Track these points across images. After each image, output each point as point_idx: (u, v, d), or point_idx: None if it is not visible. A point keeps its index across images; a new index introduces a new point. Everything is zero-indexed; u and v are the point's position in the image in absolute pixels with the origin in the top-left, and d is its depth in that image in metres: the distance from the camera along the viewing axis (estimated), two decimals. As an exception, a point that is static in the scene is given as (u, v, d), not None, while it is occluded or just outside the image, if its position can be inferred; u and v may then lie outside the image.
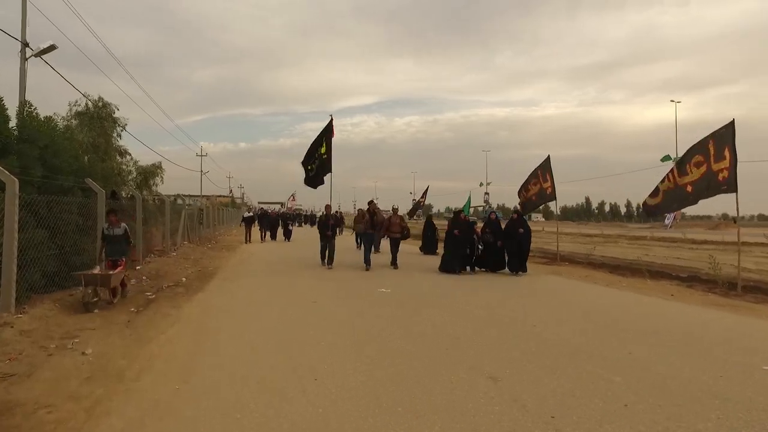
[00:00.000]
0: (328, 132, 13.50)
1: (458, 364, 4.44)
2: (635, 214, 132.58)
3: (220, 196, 67.44)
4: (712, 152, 9.11)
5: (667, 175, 10.14)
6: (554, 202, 14.43)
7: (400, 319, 6.34)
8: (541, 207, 17.12)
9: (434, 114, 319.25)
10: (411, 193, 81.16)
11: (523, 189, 14.84)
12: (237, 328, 5.71)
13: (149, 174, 16.41)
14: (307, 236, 28.82)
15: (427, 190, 29.86)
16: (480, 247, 11.97)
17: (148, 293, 8.29)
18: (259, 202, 78.57)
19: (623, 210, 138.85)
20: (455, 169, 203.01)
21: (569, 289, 9.62)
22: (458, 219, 12.30)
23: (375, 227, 12.66)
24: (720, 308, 7.73)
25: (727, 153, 8.85)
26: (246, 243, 20.67)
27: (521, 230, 11.67)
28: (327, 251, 12.55)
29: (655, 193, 10.67)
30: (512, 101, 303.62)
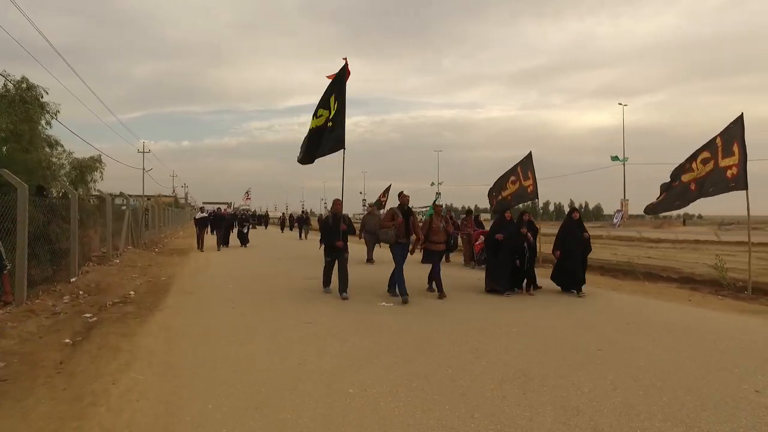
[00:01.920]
0: (341, 84, 8.48)
1: None
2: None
3: (163, 195, 63.64)
4: (719, 148, 8.57)
5: (680, 177, 9.45)
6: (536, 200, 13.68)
7: (450, 358, 4.99)
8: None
9: (381, 114, 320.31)
10: (361, 193, 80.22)
11: (498, 188, 13.77)
12: (222, 372, 4.13)
13: (86, 168, 13.98)
14: (266, 240, 26.79)
15: (389, 188, 27.89)
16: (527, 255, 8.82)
17: (88, 315, 6.46)
18: (204, 202, 74.32)
19: (566, 210, 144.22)
20: (404, 169, 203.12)
21: (593, 296, 8.58)
22: (504, 220, 8.94)
23: (410, 235, 8.11)
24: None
25: (736, 149, 8.32)
26: (198, 250, 17.53)
27: (586, 234, 8.87)
28: (339, 271, 8.02)
29: (660, 192, 10.02)
30: (458, 103, 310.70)
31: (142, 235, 18.60)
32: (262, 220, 46.45)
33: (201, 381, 3.87)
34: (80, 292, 7.89)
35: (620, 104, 59.39)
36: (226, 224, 19.14)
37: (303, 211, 31.71)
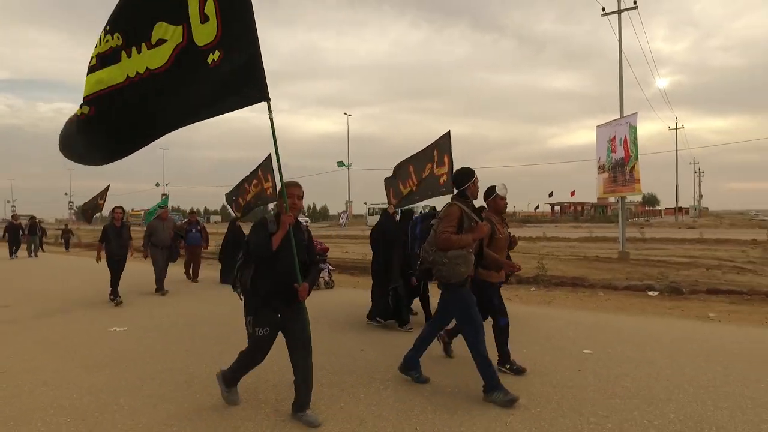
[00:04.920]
0: None
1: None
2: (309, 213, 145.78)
3: None
4: (435, 159, 9.44)
5: (407, 181, 9.98)
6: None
7: None
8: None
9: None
10: (66, 194, 69.70)
11: (240, 191, 12.79)
12: None
13: None
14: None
15: (107, 189, 20.84)
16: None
17: None
18: None
19: (308, 211, 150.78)
20: (122, 168, 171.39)
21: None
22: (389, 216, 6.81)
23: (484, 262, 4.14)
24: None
25: (446, 160, 9.22)
26: None
27: None
28: (296, 361, 3.39)
29: (397, 196, 10.07)
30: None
31: None
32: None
33: None
34: None
35: (345, 114, 66.69)
36: None
37: (34, 218, 21.96)
